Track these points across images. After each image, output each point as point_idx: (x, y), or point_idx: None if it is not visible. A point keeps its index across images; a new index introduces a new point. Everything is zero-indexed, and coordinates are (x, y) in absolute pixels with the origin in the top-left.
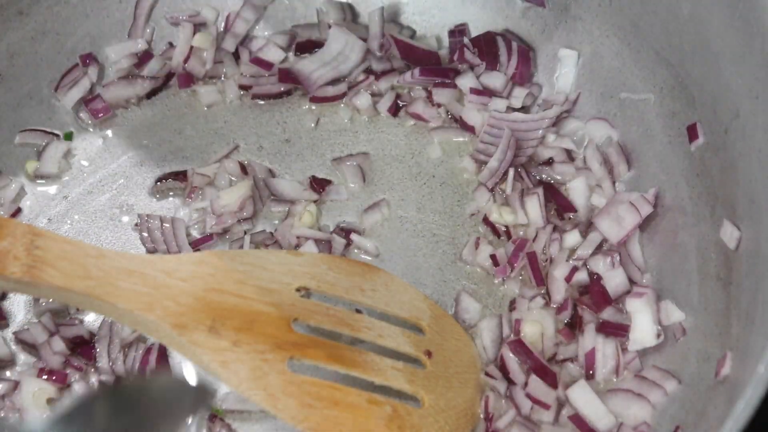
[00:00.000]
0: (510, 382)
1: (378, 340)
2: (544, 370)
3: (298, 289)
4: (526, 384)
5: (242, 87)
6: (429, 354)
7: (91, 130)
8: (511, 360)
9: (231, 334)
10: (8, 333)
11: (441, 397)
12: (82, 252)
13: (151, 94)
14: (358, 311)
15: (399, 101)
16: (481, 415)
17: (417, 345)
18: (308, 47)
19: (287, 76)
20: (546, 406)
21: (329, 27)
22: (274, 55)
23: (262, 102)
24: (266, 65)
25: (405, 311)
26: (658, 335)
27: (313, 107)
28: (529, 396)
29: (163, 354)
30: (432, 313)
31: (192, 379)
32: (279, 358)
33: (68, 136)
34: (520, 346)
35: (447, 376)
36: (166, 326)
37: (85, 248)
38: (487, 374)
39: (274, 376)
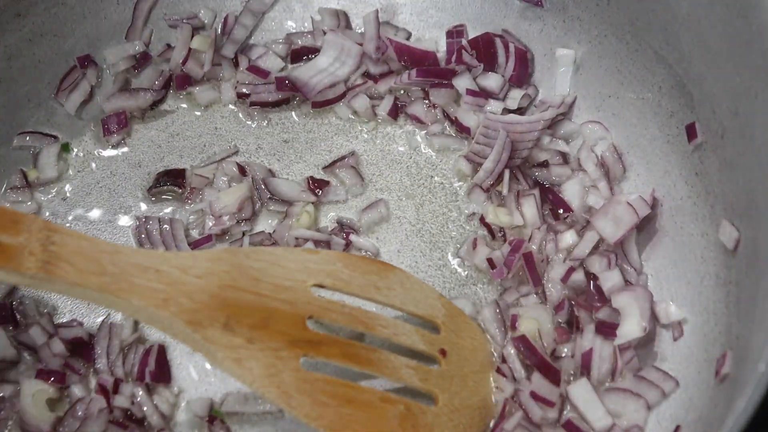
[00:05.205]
0: (513, 379)
1: (393, 338)
2: (548, 367)
3: (313, 287)
4: (529, 380)
5: (240, 96)
6: (443, 353)
7: (89, 131)
8: (513, 357)
9: (245, 331)
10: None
11: (455, 396)
12: (97, 248)
13: (152, 106)
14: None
15: (398, 102)
16: (496, 415)
17: (432, 343)
18: (304, 54)
19: (285, 84)
20: (551, 404)
21: (324, 33)
22: (272, 63)
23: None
24: (263, 74)
25: (420, 309)
26: (644, 328)
27: (312, 109)
28: (533, 394)
29: (162, 355)
30: (447, 311)
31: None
32: (293, 355)
33: (66, 148)
34: (524, 343)
35: (461, 375)
36: (180, 323)
37: (100, 244)
38: (497, 370)
39: (288, 374)
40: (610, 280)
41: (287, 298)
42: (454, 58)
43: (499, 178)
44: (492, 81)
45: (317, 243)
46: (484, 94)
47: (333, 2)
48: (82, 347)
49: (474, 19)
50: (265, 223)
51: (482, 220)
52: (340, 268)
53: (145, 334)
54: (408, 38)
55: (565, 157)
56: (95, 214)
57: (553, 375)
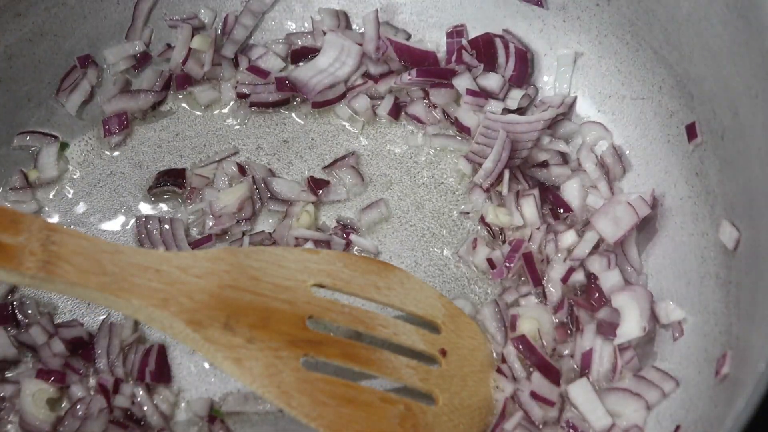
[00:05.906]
0: (513, 379)
1: (393, 338)
2: (548, 367)
3: (313, 287)
4: (528, 380)
5: (240, 96)
6: (444, 352)
7: (89, 132)
8: (513, 357)
9: (245, 331)
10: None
11: (455, 396)
12: (98, 248)
13: (153, 106)
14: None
15: (398, 102)
16: (497, 415)
17: (432, 343)
18: (304, 54)
19: (285, 84)
20: (551, 404)
21: (324, 34)
22: (273, 63)
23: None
24: (263, 74)
25: (420, 309)
26: (644, 328)
27: (312, 109)
28: (533, 394)
29: (162, 355)
30: (447, 311)
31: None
32: (293, 355)
33: (64, 146)
34: (524, 342)
35: (462, 375)
36: (180, 323)
37: (100, 244)
38: (497, 370)
39: (288, 374)
40: (610, 280)
41: (287, 298)
42: (454, 58)
43: (499, 178)
44: (492, 81)
45: (317, 243)
46: (484, 94)
47: (333, 2)
48: (82, 347)
49: (474, 19)
50: (265, 223)
51: (482, 220)
52: (340, 267)
53: (145, 334)
54: (408, 39)
55: (565, 157)
56: (95, 214)
57: (553, 375)
